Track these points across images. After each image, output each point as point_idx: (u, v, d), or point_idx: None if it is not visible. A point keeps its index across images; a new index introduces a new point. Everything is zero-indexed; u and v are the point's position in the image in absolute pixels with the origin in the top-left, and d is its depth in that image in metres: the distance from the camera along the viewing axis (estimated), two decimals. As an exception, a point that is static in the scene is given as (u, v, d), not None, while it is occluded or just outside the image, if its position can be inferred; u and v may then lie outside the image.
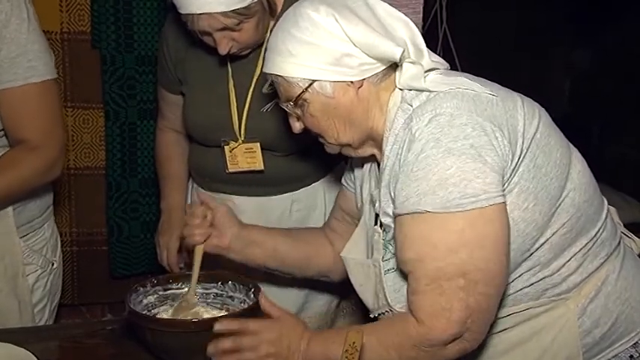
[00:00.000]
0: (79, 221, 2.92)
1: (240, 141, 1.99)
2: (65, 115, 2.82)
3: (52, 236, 1.98)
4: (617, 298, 1.49)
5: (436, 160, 1.31)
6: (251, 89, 1.97)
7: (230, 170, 2.02)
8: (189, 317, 1.66)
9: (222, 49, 1.84)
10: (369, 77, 1.44)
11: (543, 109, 1.49)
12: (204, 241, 1.73)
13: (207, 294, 1.73)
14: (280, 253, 1.77)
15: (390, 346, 1.36)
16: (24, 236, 1.88)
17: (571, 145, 1.50)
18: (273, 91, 1.55)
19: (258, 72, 1.94)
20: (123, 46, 2.76)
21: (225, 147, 2.01)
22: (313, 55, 1.39)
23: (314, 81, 1.42)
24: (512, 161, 1.36)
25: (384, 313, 1.51)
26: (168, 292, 1.73)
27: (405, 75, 1.43)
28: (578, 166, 1.48)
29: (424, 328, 1.33)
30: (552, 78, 3.87)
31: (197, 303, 1.70)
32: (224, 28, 1.80)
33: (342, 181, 1.74)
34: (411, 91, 1.42)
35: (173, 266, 2.11)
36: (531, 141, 1.40)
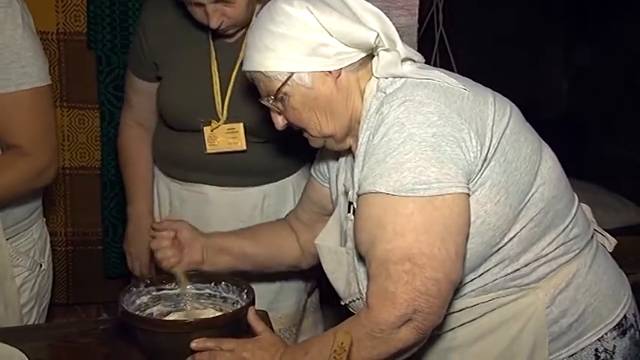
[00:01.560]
0: (74, 221, 2.93)
1: (222, 121, 1.98)
2: (60, 115, 2.85)
3: (41, 238, 1.98)
4: (587, 290, 1.52)
5: (396, 144, 1.34)
6: (235, 70, 1.98)
7: (209, 151, 2.00)
8: (182, 317, 1.67)
9: (214, 23, 1.86)
10: (346, 66, 1.46)
11: (515, 107, 1.51)
12: (179, 261, 1.75)
13: (200, 294, 1.73)
14: (248, 256, 1.80)
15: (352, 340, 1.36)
16: (10, 238, 1.87)
17: (542, 142, 1.54)
18: None
19: (242, 55, 1.90)
20: (118, 47, 2.79)
21: (205, 128, 1.99)
22: (290, 48, 1.42)
23: (293, 73, 1.44)
24: (480, 154, 1.38)
25: (354, 301, 1.53)
26: (162, 292, 1.73)
27: (382, 62, 1.46)
28: (549, 162, 1.51)
29: (372, 312, 1.34)
30: (551, 77, 3.88)
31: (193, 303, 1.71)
32: (218, 0, 1.83)
33: (312, 172, 1.75)
34: (387, 79, 1.45)
35: (146, 276, 2.09)
36: (501, 136, 1.42)
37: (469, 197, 1.38)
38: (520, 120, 1.50)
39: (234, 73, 1.98)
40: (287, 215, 1.90)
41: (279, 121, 1.53)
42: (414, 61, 1.51)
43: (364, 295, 1.48)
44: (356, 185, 1.44)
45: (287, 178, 2.10)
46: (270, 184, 2.09)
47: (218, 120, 1.99)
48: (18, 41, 1.71)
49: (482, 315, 1.50)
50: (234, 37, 1.99)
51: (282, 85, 1.45)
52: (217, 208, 2.04)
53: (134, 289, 1.69)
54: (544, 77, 3.86)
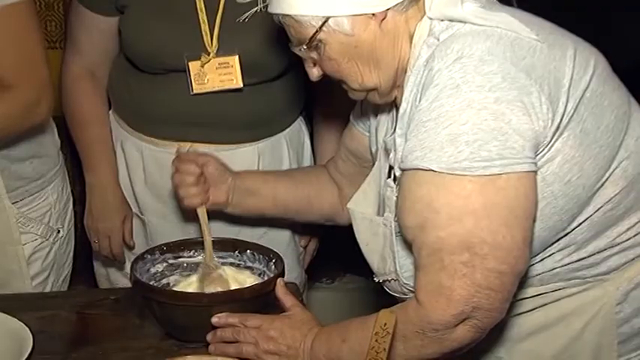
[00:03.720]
0: (82, 178, 2.69)
1: (212, 54, 1.74)
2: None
3: (59, 201, 1.82)
4: None
5: (451, 112, 1.19)
6: None
7: (196, 91, 1.76)
8: (217, 286, 1.58)
9: None
10: (393, 6, 1.28)
11: (602, 58, 1.33)
12: (204, 202, 1.63)
13: (222, 264, 1.63)
14: (280, 200, 1.69)
15: (395, 336, 1.25)
16: (17, 202, 1.72)
17: (633, 103, 1.35)
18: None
19: None
20: None
21: (192, 63, 1.74)
22: None
23: (328, 17, 1.28)
24: (552, 123, 1.22)
25: (389, 281, 1.42)
26: (180, 260, 1.64)
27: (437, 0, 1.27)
28: (638, 131, 1.32)
29: (423, 309, 1.23)
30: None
31: (218, 266, 1.61)
32: None
33: (351, 117, 1.60)
34: (442, 22, 1.28)
35: (119, 256, 1.93)
36: (579, 101, 1.25)
37: (536, 175, 1.23)
38: (605, 77, 1.31)
39: None
40: (327, 163, 1.74)
41: (314, 73, 1.37)
42: None
43: (401, 276, 1.36)
44: (399, 153, 1.30)
45: (280, 134, 1.90)
46: (265, 141, 1.88)
47: (208, 54, 1.74)
48: None
49: (537, 308, 1.37)
50: None
51: (317, 32, 1.29)
52: None
53: (148, 256, 1.60)
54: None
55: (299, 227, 1.93)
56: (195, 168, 1.62)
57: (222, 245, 1.64)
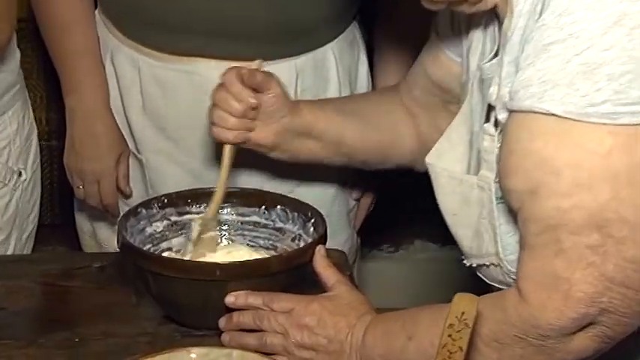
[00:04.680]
0: (59, 103, 2.61)
1: None
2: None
3: (20, 134, 1.77)
4: None
5: (588, 30, 1.10)
6: None
7: None
8: (209, 258, 1.50)
9: None
10: None
11: None
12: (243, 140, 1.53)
13: (243, 223, 1.53)
14: (346, 147, 1.61)
15: (485, 340, 1.17)
16: None
17: None
18: None
19: None
20: None
21: None
22: None
23: None
24: None
25: (487, 266, 1.32)
26: (186, 217, 1.53)
27: None
28: None
29: (528, 307, 1.14)
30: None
31: (216, 227, 1.52)
32: None
33: (433, 33, 1.52)
34: None
35: (111, 207, 1.82)
36: None
37: None
38: None
39: None
40: (400, 88, 1.62)
41: None
42: None
43: (504, 260, 1.26)
44: (505, 86, 1.20)
45: (327, 45, 1.78)
46: (305, 56, 1.74)
47: None
48: None
49: None
50: None
51: None
52: None
53: (143, 210, 1.49)
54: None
55: (350, 172, 1.82)
56: (250, 96, 1.50)
57: (245, 198, 1.54)
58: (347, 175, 1.82)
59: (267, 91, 1.52)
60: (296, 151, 1.61)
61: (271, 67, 1.66)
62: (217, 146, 1.55)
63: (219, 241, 1.52)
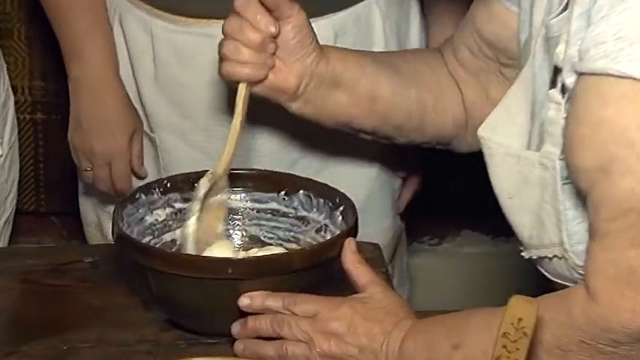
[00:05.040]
0: (44, 68, 2.58)
1: None
2: None
3: None
4: None
5: None
6: None
7: None
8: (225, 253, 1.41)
9: None
10: None
11: None
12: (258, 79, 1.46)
13: (259, 211, 1.45)
14: (380, 102, 1.52)
15: (546, 347, 1.12)
16: None
17: None
18: None
19: None
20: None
21: None
22: None
23: None
24: None
25: (549, 259, 1.28)
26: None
27: None
28: None
29: (598, 306, 1.10)
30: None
31: (226, 189, 1.43)
32: None
33: None
34: None
35: (125, 192, 1.73)
36: None
37: None
38: None
39: None
40: (443, 50, 1.56)
41: None
42: None
43: (570, 251, 1.22)
44: (573, 45, 1.15)
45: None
46: (345, 12, 1.70)
47: None
48: None
49: None
50: None
51: None
52: None
53: (142, 196, 1.42)
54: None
55: (393, 146, 1.74)
56: (269, 23, 1.39)
57: (261, 181, 1.46)
58: (390, 149, 1.76)
59: (287, 19, 1.44)
60: (322, 104, 1.51)
61: None
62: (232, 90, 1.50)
63: (229, 232, 1.47)
